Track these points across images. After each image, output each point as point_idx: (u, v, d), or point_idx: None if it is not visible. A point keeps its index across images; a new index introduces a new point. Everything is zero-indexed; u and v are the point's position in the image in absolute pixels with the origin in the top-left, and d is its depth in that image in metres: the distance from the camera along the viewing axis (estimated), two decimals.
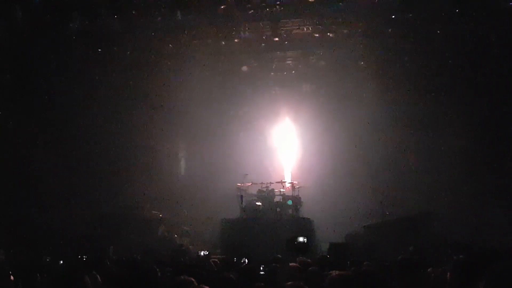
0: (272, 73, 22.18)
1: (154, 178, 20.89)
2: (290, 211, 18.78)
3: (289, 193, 19.09)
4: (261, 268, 7.27)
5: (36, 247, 14.08)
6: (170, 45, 19.37)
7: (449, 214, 17.01)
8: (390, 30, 18.24)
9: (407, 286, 4.90)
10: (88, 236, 16.94)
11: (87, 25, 17.28)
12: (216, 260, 8.79)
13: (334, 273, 3.55)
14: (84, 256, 12.39)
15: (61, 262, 11.19)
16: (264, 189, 19.07)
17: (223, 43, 19.34)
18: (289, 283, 4.34)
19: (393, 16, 17.69)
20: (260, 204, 18.71)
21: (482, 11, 16.64)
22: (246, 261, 10.16)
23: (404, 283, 4.83)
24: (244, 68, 21.35)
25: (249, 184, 19.06)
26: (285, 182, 19.70)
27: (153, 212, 20.16)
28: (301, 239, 13.47)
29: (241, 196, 18.58)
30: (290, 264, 6.35)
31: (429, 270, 5.64)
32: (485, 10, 16.54)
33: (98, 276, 3.56)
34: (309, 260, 7.27)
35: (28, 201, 17.19)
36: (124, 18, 17.34)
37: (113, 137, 19.79)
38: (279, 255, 9.85)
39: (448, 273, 4.15)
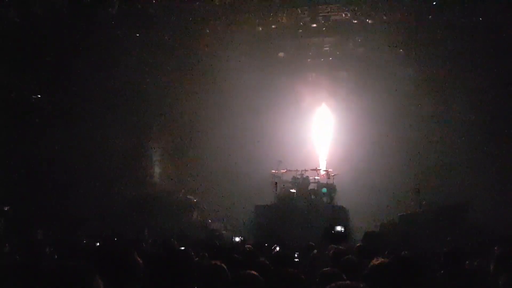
0: (309, 60, 21.98)
1: (190, 163, 21.06)
2: (324, 199, 18.66)
3: (324, 181, 18.97)
4: (296, 255, 7.23)
5: (73, 228, 14.36)
6: (207, 30, 19.35)
7: (487, 204, 16.63)
8: (430, 16, 17.85)
9: (453, 276, 4.81)
10: (125, 218, 17.19)
11: (126, 9, 17.41)
12: (250, 246, 8.79)
13: (375, 260, 3.48)
14: (119, 238, 12.58)
15: (98, 244, 11.36)
16: (299, 176, 18.99)
17: (260, 29, 19.26)
18: (326, 269, 4.27)
19: (434, 3, 17.30)
20: (295, 191, 18.66)
21: None
22: (277, 248, 10.14)
23: (450, 273, 4.73)
24: (281, 54, 21.23)
25: (284, 171, 19.00)
26: (320, 169, 19.58)
27: (188, 196, 20.33)
28: (338, 228, 13.39)
29: (276, 183, 18.55)
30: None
31: (475, 262, 5.54)
32: None
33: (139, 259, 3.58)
34: (342, 248, 7.19)
35: (66, 184, 17.51)
36: (163, 2, 17.42)
37: (149, 122, 19.99)
38: (312, 243, 9.81)
39: (492, 265, 4.05)
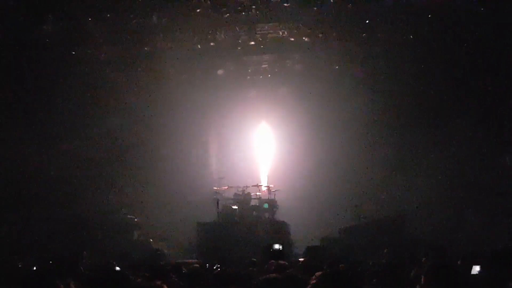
0: (248, 77, 22.17)
1: (129, 182, 20.71)
2: (266, 214, 18.79)
3: (265, 197, 19.10)
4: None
5: (8, 253, 13.83)
6: (145, 48, 19.25)
7: (423, 215, 17.27)
8: (364, 34, 18.50)
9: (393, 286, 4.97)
10: (62, 241, 16.68)
11: (61, 27, 17.11)
12: (196, 264, 8.75)
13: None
14: (55, 261, 12.19)
15: (34, 268, 10.99)
16: (241, 193, 19.02)
17: (199, 46, 19.31)
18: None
19: (367, 22, 17.96)
20: (236, 207, 18.67)
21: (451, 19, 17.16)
22: (219, 266, 10.13)
23: (390, 283, 4.89)
24: (220, 71, 21.32)
25: (226, 187, 19.01)
26: (261, 185, 19.69)
27: (128, 216, 19.94)
28: (276, 246, 13.40)
29: (217, 200, 18.51)
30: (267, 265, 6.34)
31: (411, 273, 5.71)
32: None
33: (72, 284, 3.49)
34: (285, 263, 7.26)
35: None
36: (99, 20, 17.22)
37: (87, 140, 19.55)
38: (254, 259, 9.86)
39: (423, 277, 4.22)
